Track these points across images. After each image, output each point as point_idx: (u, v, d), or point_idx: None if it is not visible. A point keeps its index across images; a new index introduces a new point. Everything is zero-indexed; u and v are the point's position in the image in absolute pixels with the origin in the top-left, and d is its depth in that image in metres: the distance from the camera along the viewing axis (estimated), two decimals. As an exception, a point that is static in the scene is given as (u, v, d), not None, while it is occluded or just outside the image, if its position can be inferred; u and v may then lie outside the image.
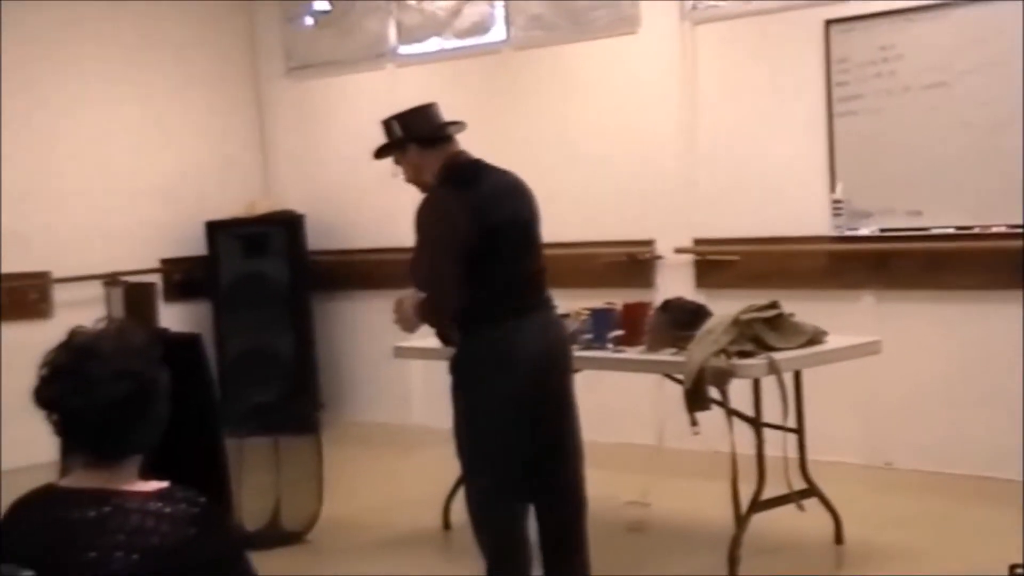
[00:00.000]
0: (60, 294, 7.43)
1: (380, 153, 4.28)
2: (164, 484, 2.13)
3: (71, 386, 2.09)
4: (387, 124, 4.24)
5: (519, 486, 4.10)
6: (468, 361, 4.07)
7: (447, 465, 5.57)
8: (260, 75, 8.58)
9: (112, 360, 2.11)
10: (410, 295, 4.14)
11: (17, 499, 2.16)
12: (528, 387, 4.03)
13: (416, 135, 4.16)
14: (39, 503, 2.13)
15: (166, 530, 2.05)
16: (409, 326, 4.20)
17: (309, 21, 8.28)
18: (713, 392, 4.57)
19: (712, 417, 4.62)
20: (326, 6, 8.17)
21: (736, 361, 4.52)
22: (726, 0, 6.53)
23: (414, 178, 4.20)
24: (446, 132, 4.20)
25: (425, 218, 4.06)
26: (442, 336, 4.27)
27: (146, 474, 2.18)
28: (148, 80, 7.98)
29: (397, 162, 4.24)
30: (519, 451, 4.05)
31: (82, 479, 2.13)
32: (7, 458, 6.62)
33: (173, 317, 7.55)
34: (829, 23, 6.12)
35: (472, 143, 8.09)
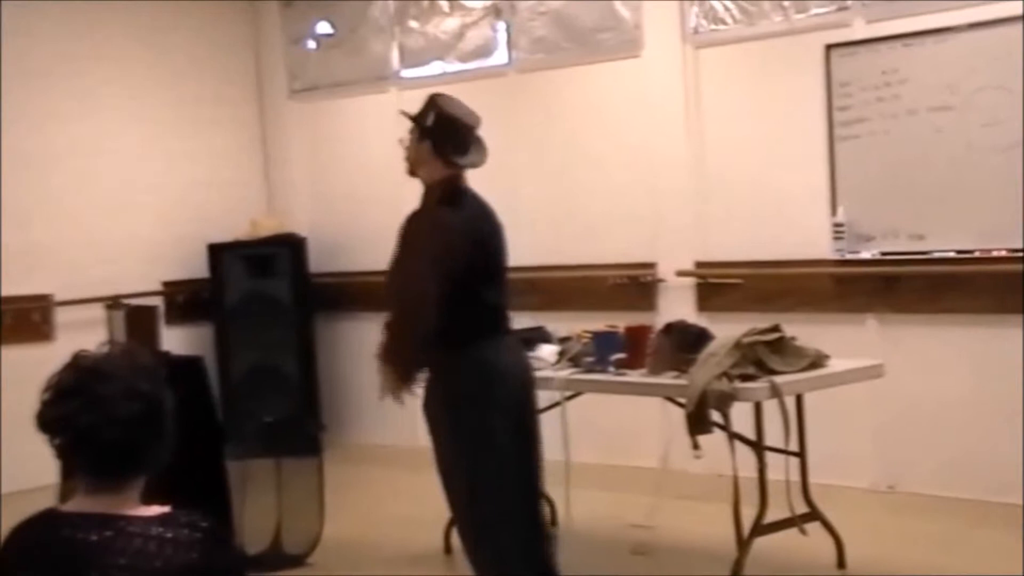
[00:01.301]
0: (62, 317, 7.43)
1: (406, 115, 4.23)
2: (166, 509, 2.13)
3: (81, 405, 2.08)
4: (429, 103, 4.18)
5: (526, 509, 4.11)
6: (466, 379, 4.06)
7: (449, 488, 5.56)
8: (264, 97, 8.61)
9: (122, 380, 2.11)
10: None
11: (18, 523, 2.16)
12: (521, 404, 4.10)
13: (440, 140, 4.12)
14: (40, 527, 2.12)
15: (168, 554, 2.05)
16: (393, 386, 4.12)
17: (312, 44, 8.32)
18: (715, 415, 4.56)
19: (715, 439, 4.61)
20: (329, 29, 8.22)
21: (738, 384, 4.52)
22: (728, 24, 6.56)
23: (413, 161, 4.18)
24: (460, 162, 4.14)
25: (426, 233, 4.06)
26: (406, 370, 4.11)
27: (149, 496, 2.18)
28: (152, 102, 8.01)
29: (409, 134, 4.19)
30: (523, 472, 4.08)
31: (84, 504, 2.13)
32: (9, 481, 6.61)
33: (175, 340, 7.54)
34: (830, 47, 6.14)
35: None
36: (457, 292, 3.98)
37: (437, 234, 4.04)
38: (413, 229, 4.09)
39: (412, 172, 4.20)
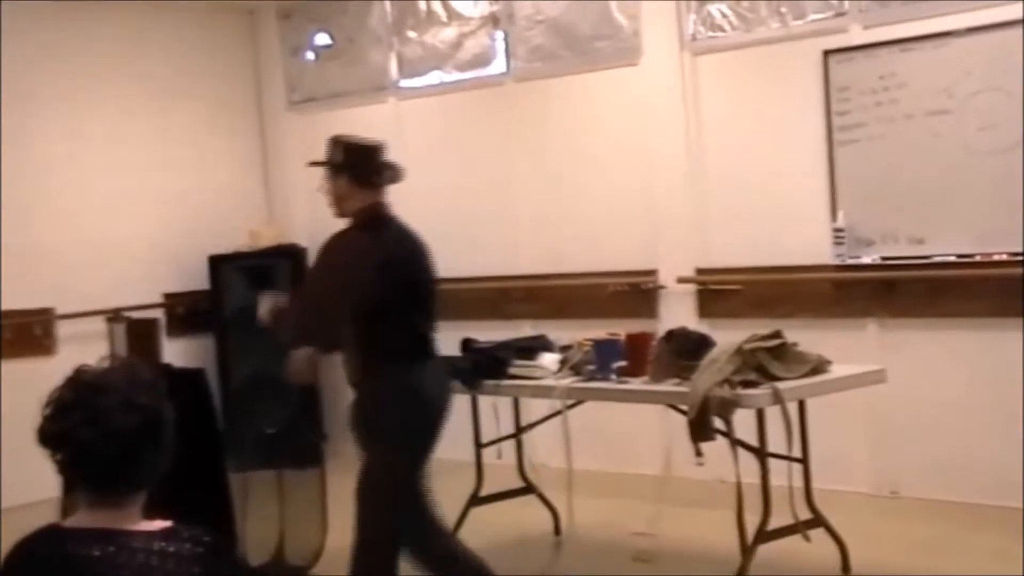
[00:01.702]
0: (63, 329, 7.43)
1: (315, 165, 4.49)
2: (168, 523, 2.13)
3: (80, 419, 2.09)
4: (333, 143, 4.45)
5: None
6: (389, 404, 4.27)
7: (451, 496, 5.55)
8: (263, 109, 8.62)
9: (120, 393, 2.11)
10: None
11: (20, 539, 2.16)
12: (435, 430, 4.33)
13: (352, 170, 4.36)
14: (42, 543, 2.12)
15: (171, 569, 2.04)
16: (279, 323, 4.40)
17: (311, 55, 8.33)
18: (717, 422, 4.56)
19: (718, 445, 4.61)
20: (328, 40, 8.23)
21: (740, 391, 4.52)
22: (725, 31, 6.57)
23: (336, 204, 4.42)
24: (380, 180, 4.38)
25: (337, 253, 4.27)
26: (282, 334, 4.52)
27: (151, 509, 2.18)
28: (151, 115, 8.02)
29: (326, 180, 4.43)
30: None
31: (86, 519, 2.13)
32: (10, 495, 6.61)
33: (177, 351, 7.54)
34: (828, 53, 6.15)
35: (474, 175, 8.11)
36: (378, 315, 4.22)
37: (346, 256, 4.27)
38: (329, 248, 4.31)
39: (341, 212, 4.43)
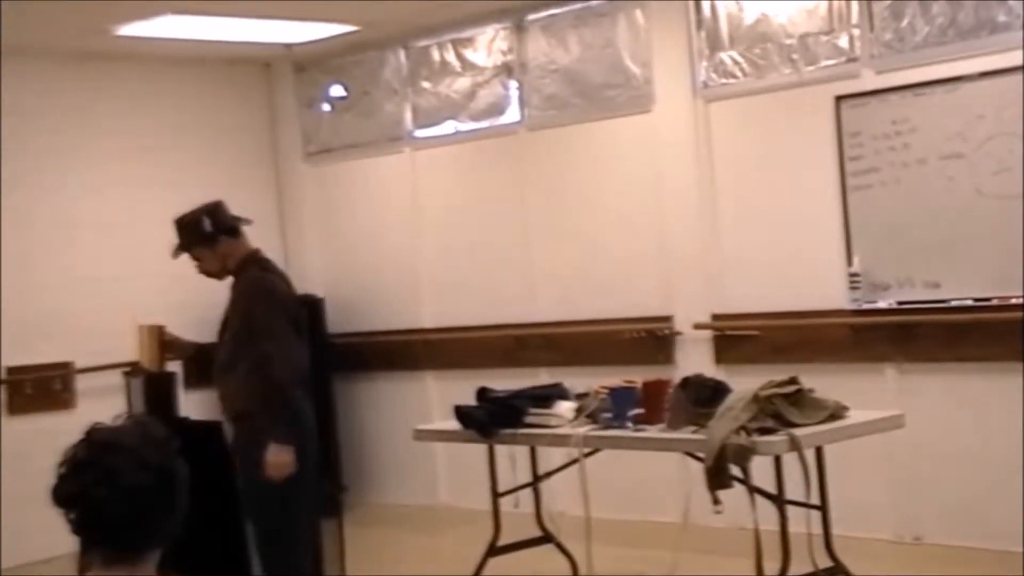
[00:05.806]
0: (82, 383, 7.46)
1: (186, 249, 4.77)
2: (181, 581, 2.13)
3: (93, 478, 2.09)
4: (194, 221, 4.74)
5: None
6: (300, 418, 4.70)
7: (469, 546, 5.54)
8: (279, 160, 8.68)
9: (133, 452, 2.12)
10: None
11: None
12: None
13: (226, 228, 4.79)
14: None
15: (183, 627, 2.04)
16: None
17: (326, 107, 8.40)
18: (735, 469, 4.54)
19: (736, 492, 4.58)
20: (343, 92, 8.30)
21: (757, 438, 4.49)
22: (738, 78, 6.60)
23: (218, 268, 4.79)
24: (246, 223, 4.86)
25: (272, 292, 4.70)
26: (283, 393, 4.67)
27: (169, 565, 2.18)
28: (167, 167, 8.06)
29: (198, 257, 4.77)
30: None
31: (101, 577, 2.13)
32: (39, 550, 6.59)
33: (194, 404, 7.55)
34: (840, 98, 6.17)
35: (489, 223, 8.14)
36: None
37: (279, 293, 4.74)
38: (263, 288, 4.69)
39: (227, 272, 4.80)
